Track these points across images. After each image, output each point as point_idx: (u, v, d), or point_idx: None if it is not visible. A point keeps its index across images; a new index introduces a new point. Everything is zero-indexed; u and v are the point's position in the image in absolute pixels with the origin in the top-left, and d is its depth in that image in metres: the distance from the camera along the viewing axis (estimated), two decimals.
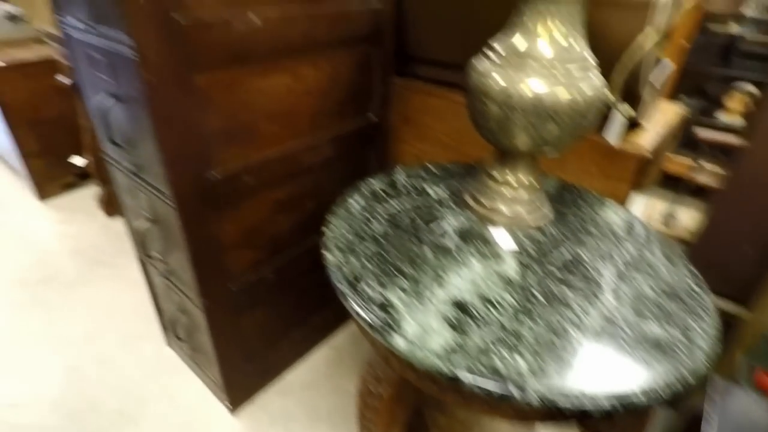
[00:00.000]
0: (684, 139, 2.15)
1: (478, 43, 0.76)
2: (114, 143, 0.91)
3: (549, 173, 1.00)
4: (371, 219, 0.80)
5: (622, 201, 0.96)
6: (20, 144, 2.05)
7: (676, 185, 1.82)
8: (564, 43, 0.66)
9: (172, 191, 0.84)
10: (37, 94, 2.04)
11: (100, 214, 2.13)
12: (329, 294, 0.71)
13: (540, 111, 0.66)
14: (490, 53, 0.71)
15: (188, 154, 0.83)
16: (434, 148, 1.36)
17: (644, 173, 1.00)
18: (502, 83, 0.67)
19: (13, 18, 2.14)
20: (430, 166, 1.01)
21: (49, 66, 2.00)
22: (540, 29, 0.66)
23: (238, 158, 0.92)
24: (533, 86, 0.65)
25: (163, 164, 0.80)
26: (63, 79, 1.78)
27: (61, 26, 0.92)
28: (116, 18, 0.71)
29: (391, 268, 0.68)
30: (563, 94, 0.65)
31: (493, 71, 0.69)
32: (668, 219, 1.65)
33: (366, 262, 0.69)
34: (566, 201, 0.90)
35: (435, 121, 1.31)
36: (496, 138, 0.74)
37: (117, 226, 2.05)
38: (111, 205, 2.09)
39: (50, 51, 2.04)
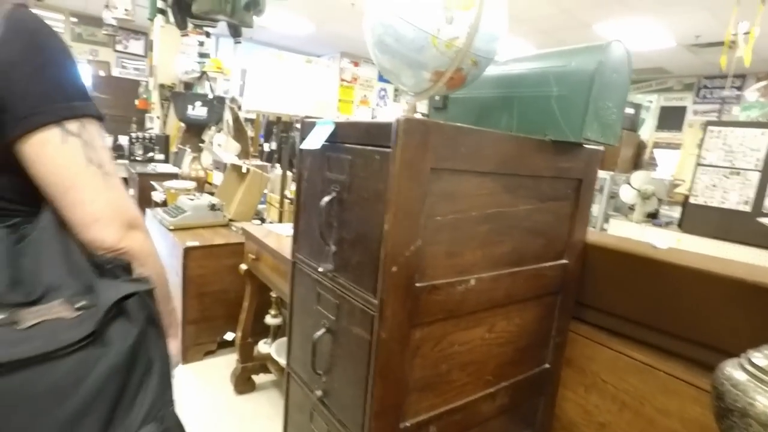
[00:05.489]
0: None
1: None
2: (315, 372, 0.95)
3: None
4: None
5: None
6: (186, 312, 2.30)
7: None
8: None
9: None
10: (213, 270, 2.35)
11: (230, 389, 2.18)
12: None
13: None
14: (749, 367, 0.66)
15: (390, 404, 0.83)
16: (606, 402, 1.23)
17: None
18: None
19: (213, 207, 2.64)
20: None
21: (228, 249, 2.34)
22: None
23: (429, 408, 0.90)
24: None
25: (369, 414, 0.80)
26: (243, 266, 2.05)
27: (294, 259, 1.07)
28: (369, 281, 0.80)
29: None
30: None
31: (756, 392, 0.62)
32: None
33: None
34: None
35: (604, 372, 1.21)
36: None
37: (241, 403, 2.07)
38: (242, 384, 2.14)
39: (233, 236, 2.42)
